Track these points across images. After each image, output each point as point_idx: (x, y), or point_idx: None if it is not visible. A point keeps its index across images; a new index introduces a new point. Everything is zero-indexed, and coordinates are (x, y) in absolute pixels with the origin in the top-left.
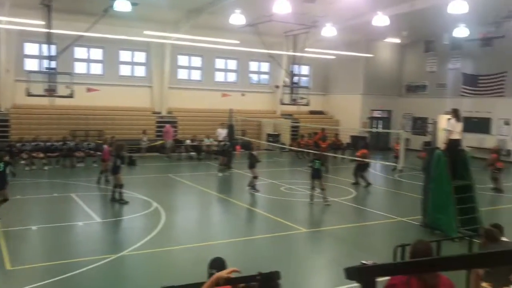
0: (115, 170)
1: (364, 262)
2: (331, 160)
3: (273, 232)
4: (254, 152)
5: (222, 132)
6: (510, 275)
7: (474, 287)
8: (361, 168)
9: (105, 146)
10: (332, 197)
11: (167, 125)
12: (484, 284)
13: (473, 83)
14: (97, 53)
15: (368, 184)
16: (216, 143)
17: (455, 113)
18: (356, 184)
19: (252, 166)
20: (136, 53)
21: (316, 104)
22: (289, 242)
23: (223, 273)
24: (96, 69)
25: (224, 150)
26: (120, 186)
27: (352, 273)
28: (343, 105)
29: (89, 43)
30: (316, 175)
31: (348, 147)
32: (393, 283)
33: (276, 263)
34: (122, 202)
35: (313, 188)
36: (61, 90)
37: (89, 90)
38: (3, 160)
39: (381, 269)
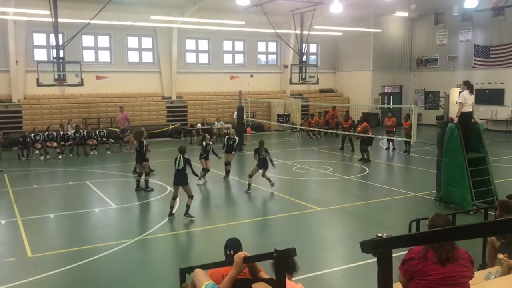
0: (141, 158)
1: (379, 235)
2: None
3: (288, 212)
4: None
5: None
6: None
7: (491, 258)
8: (365, 143)
9: None
10: (345, 175)
11: (124, 112)
12: (500, 255)
13: (485, 54)
14: (104, 41)
15: (367, 160)
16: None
17: (467, 85)
18: (363, 160)
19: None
20: (143, 38)
21: (325, 82)
22: (303, 221)
23: (240, 254)
24: (104, 56)
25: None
26: (147, 173)
27: (367, 246)
28: (353, 82)
29: (96, 30)
30: (178, 180)
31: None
32: (410, 257)
33: (291, 242)
34: (148, 189)
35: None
36: (71, 78)
37: (98, 77)
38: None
39: (396, 241)
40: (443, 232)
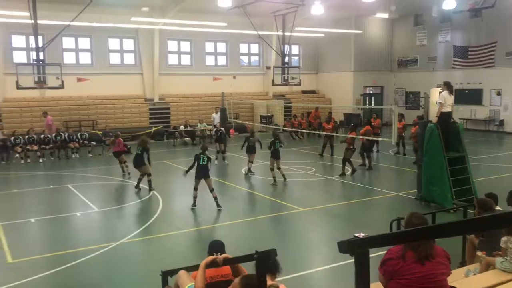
0: (141, 162)
1: (356, 235)
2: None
3: (271, 213)
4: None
5: (216, 117)
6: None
7: (470, 256)
8: (365, 147)
9: (120, 139)
10: (328, 176)
11: (48, 117)
12: (478, 253)
13: (464, 55)
14: (85, 42)
15: (369, 168)
16: (210, 127)
17: (446, 85)
18: (363, 165)
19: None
20: (124, 40)
21: (307, 84)
22: (287, 222)
23: (208, 259)
24: (85, 58)
25: (219, 136)
26: (149, 174)
27: (344, 246)
28: (334, 83)
29: (77, 32)
30: (202, 174)
31: (341, 125)
32: (389, 257)
33: (274, 243)
34: (152, 189)
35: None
36: (51, 81)
37: (79, 80)
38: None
39: (372, 241)
40: (418, 231)
